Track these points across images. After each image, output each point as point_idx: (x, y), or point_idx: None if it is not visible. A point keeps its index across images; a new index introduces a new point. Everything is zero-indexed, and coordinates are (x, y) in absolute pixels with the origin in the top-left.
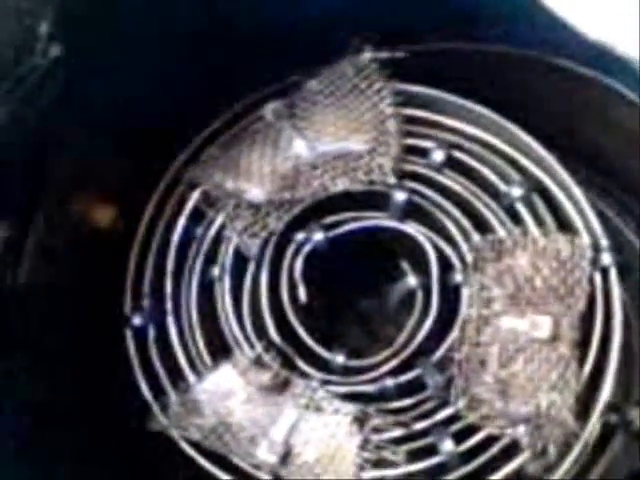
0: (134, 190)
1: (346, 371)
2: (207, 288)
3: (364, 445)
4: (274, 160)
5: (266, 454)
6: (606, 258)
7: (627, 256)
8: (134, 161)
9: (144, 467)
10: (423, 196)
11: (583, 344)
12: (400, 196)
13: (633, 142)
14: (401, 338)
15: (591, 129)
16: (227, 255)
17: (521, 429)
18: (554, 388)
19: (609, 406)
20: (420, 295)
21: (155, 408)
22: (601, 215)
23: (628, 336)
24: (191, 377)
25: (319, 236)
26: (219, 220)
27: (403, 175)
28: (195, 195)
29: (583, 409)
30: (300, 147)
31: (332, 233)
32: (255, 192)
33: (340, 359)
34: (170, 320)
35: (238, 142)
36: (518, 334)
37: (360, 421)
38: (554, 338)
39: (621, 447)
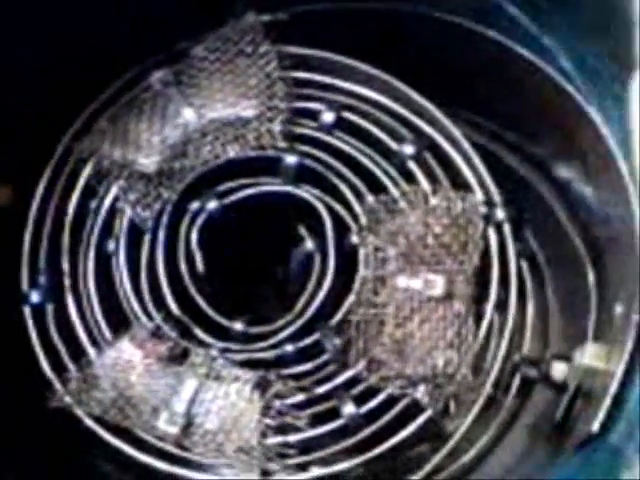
0: (26, 166)
1: (246, 339)
2: (104, 262)
3: (266, 411)
4: (163, 129)
5: (167, 425)
6: (500, 213)
7: (536, 209)
8: (25, 137)
9: (50, 445)
10: (315, 159)
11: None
12: (291, 160)
13: (531, 98)
14: (300, 303)
15: (488, 86)
16: (122, 228)
17: (421, 389)
18: (451, 346)
19: (526, 360)
20: (318, 258)
21: (56, 385)
22: (508, 169)
23: (542, 290)
24: (92, 352)
25: (214, 204)
26: (112, 193)
27: (294, 138)
28: (87, 168)
29: (482, 365)
30: (188, 115)
31: (226, 201)
32: (145, 162)
33: (239, 327)
34: (68, 296)
35: (126, 113)
36: (413, 293)
37: (261, 387)
38: (449, 295)
39: (544, 401)
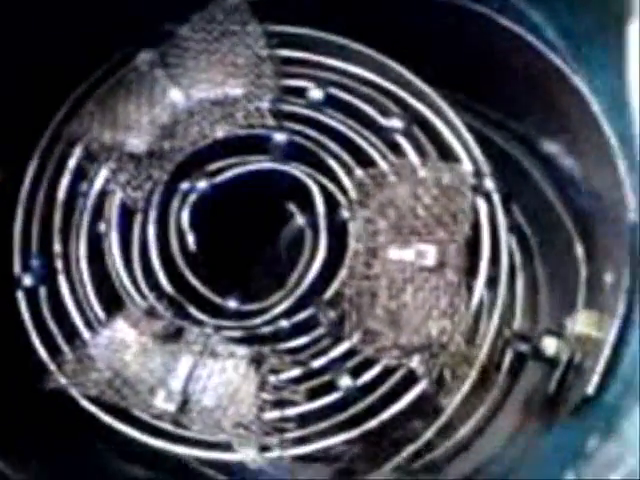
0: (15, 149)
1: (240, 316)
2: (96, 243)
3: (262, 386)
4: (151, 110)
5: (165, 403)
6: (488, 183)
7: (522, 184)
8: (13, 121)
9: (46, 429)
10: (304, 136)
11: (472, 270)
12: (280, 137)
13: (518, 72)
14: (292, 279)
15: (477, 63)
16: (113, 209)
17: (416, 359)
18: (444, 315)
19: (517, 335)
20: (309, 234)
21: (51, 367)
22: (492, 144)
23: (530, 265)
24: (86, 334)
25: (204, 184)
26: (102, 175)
27: (282, 116)
28: (76, 151)
29: (476, 334)
30: (176, 95)
31: (217, 180)
32: (134, 143)
33: (233, 304)
34: (61, 278)
35: (114, 95)
36: (405, 264)
37: (257, 363)
38: (441, 265)
39: (537, 376)
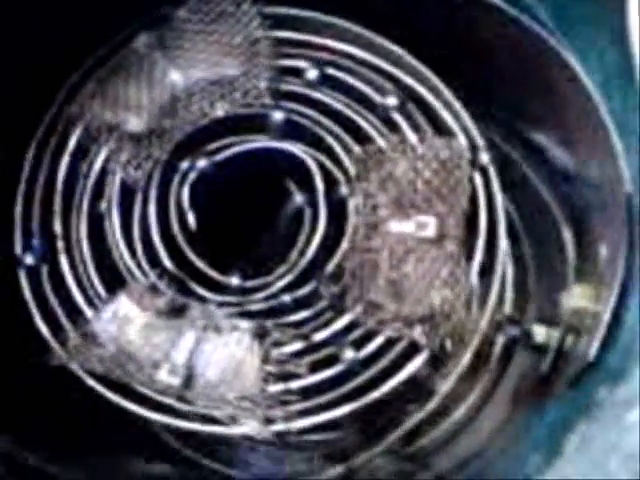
0: (16, 130)
1: (242, 292)
2: (97, 222)
3: (266, 359)
4: (151, 90)
5: (169, 378)
6: (484, 157)
7: (505, 169)
8: (14, 104)
9: (47, 406)
10: (301, 114)
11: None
12: (278, 116)
13: (514, 61)
14: (293, 255)
15: (465, 45)
16: (114, 188)
17: (418, 329)
18: (445, 285)
19: (508, 319)
20: (308, 212)
21: (54, 344)
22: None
23: (519, 251)
24: (89, 312)
25: (204, 162)
26: (103, 155)
27: (280, 96)
28: (77, 131)
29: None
30: (175, 76)
31: (216, 158)
32: (134, 122)
33: (235, 281)
34: (62, 258)
35: (114, 76)
36: (406, 236)
37: (260, 337)
38: (440, 237)
39: (527, 364)
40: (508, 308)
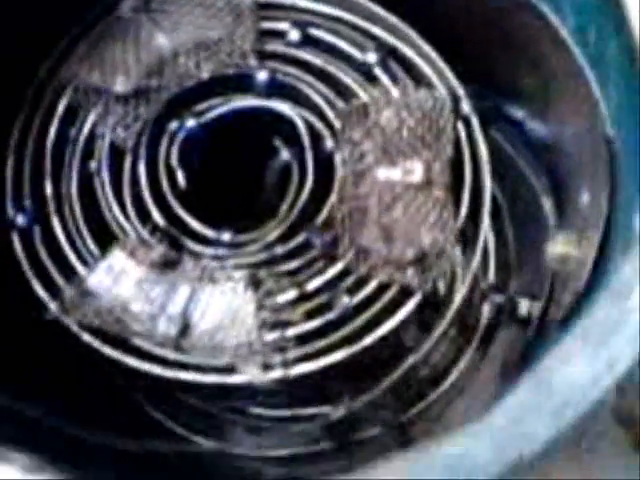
0: (6, 98)
1: (234, 246)
2: (87, 184)
3: (261, 307)
4: (137, 52)
5: (166, 328)
6: (465, 106)
7: (502, 167)
8: (2, 70)
9: (43, 363)
10: (285, 73)
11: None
12: (263, 75)
13: (510, 41)
14: (283, 209)
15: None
16: (103, 150)
17: (410, 272)
18: (434, 227)
19: (493, 287)
20: (296, 167)
21: (49, 301)
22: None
23: (500, 223)
24: (82, 271)
25: (191, 122)
26: (91, 118)
27: (264, 56)
28: (65, 96)
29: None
30: (160, 39)
31: (204, 118)
32: (122, 83)
33: (227, 236)
34: (54, 220)
35: (101, 41)
36: (393, 182)
37: (254, 285)
38: (427, 183)
39: (512, 338)
40: (492, 277)
